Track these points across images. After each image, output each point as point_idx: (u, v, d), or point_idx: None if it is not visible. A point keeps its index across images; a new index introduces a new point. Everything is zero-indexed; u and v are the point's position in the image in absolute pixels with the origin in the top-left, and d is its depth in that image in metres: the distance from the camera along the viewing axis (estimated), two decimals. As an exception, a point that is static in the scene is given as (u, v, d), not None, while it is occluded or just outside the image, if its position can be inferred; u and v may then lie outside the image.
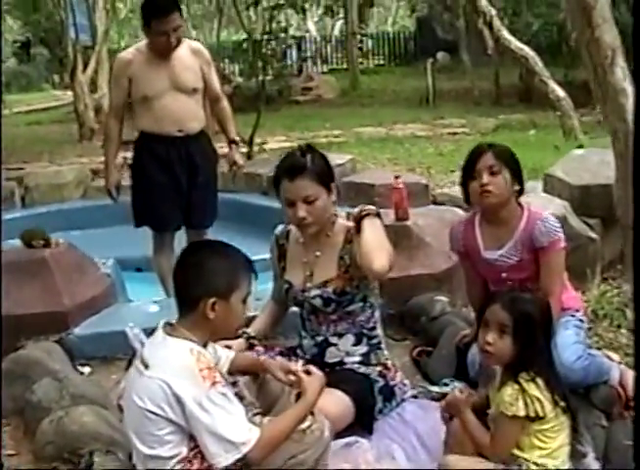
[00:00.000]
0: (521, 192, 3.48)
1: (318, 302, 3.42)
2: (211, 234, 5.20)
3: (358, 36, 23.55)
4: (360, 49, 24.91)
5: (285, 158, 3.42)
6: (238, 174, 5.47)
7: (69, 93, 16.58)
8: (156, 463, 2.56)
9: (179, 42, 4.85)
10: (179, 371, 2.53)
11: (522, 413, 2.72)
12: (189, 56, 4.98)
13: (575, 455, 2.88)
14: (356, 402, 3.27)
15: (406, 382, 3.61)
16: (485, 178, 3.39)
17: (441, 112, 15.17)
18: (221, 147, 5.68)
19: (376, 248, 3.18)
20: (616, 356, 3.56)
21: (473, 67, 18.75)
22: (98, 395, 3.55)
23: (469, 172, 3.48)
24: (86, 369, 4.12)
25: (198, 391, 2.50)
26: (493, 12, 9.68)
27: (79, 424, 3.19)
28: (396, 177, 4.71)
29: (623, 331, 4.12)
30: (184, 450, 2.55)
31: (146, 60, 4.89)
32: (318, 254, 3.46)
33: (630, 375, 3.39)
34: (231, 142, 5.26)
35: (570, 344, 3.31)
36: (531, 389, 2.73)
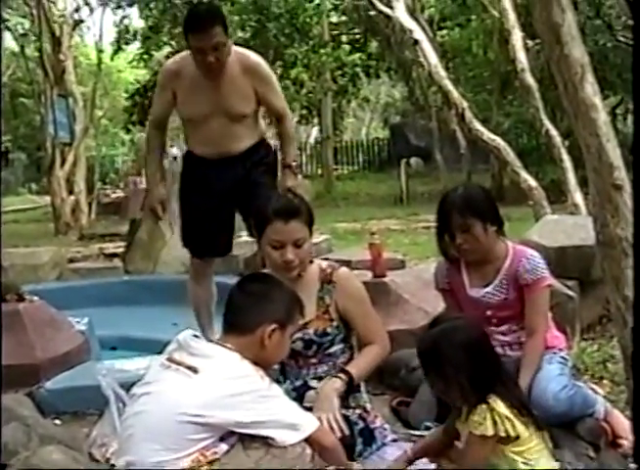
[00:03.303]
0: (500, 228, 3.49)
1: (299, 345, 3.36)
2: (186, 314, 4.88)
3: (332, 143, 23.99)
4: (335, 156, 25.36)
5: (273, 200, 3.40)
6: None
7: (47, 198, 16.75)
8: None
9: (221, 63, 4.23)
10: (236, 372, 2.64)
11: (490, 432, 2.66)
12: (240, 76, 4.32)
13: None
14: (335, 440, 3.17)
15: (386, 426, 3.52)
16: (459, 239, 3.40)
17: (416, 210, 15.37)
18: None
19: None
20: (600, 390, 3.51)
21: (446, 171, 19.12)
22: (68, 437, 3.45)
23: (442, 231, 3.50)
24: (57, 422, 4.00)
25: (258, 386, 2.64)
26: (465, 104, 9.87)
27: (47, 462, 3.07)
28: (372, 233, 4.69)
29: (606, 382, 4.09)
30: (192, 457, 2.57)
31: (192, 77, 4.31)
32: None
33: (616, 414, 3.35)
34: (285, 166, 4.53)
35: (554, 376, 3.28)
36: (500, 407, 2.68)
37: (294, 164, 4.54)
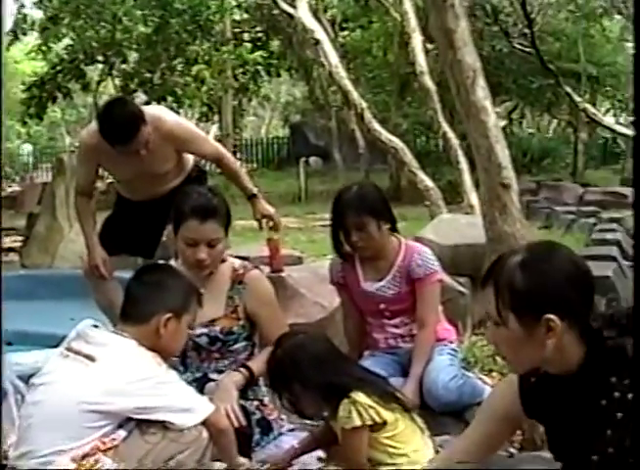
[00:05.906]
0: (393, 225, 3.60)
1: (204, 340, 3.39)
2: (84, 309, 4.80)
3: (232, 140, 23.94)
4: (234, 153, 25.30)
5: (192, 196, 3.38)
6: (277, 225, 4.60)
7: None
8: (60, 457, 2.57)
9: (147, 150, 4.17)
10: (133, 359, 2.68)
11: (358, 423, 2.77)
12: (159, 142, 4.24)
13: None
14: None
15: (283, 417, 3.59)
16: (354, 236, 3.48)
17: (313, 208, 15.51)
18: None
19: None
20: (489, 381, 3.66)
21: (344, 171, 19.34)
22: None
23: (337, 229, 3.59)
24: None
25: (155, 372, 2.69)
26: (364, 104, 10.02)
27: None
28: (271, 228, 4.70)
29: (495, 374, 4.25)
30: (91, 444, 2.59)
31: (112, 149, 4.19)
32: (202, 291, 3.43)
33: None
34: (249, 197, 4.55)
35: (444, 366, 3.41)
36: (361, 398, 2.79)
37: (256, 191, 4.53)
